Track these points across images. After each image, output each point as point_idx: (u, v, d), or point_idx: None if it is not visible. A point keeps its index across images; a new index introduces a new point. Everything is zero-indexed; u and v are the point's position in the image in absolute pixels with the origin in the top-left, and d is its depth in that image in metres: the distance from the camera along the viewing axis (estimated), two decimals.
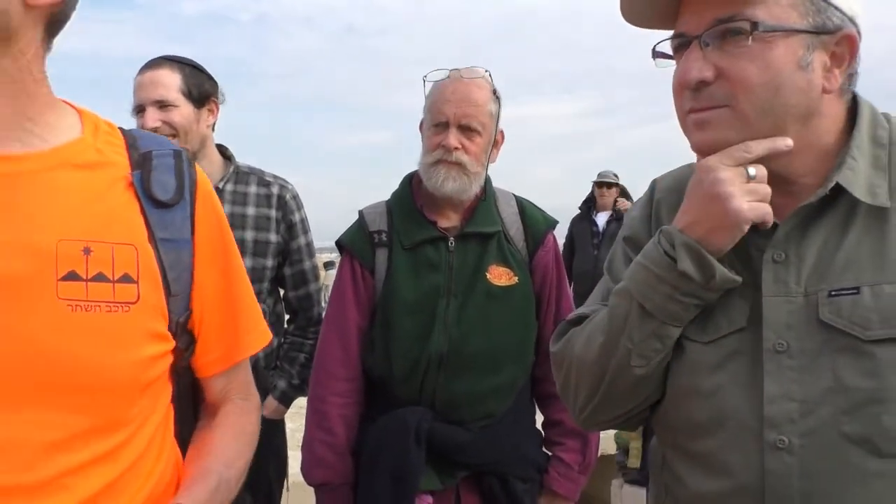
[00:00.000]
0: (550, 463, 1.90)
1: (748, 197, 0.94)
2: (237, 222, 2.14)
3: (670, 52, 1.03)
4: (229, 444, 1.04)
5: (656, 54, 1.05)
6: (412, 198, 1.88)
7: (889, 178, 0.96)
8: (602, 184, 6.42)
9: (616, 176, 6.48)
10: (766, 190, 0.95)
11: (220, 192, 2.15)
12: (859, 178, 0.95)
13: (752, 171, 0.94)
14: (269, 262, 2.17)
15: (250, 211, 2.17)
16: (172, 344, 0.96)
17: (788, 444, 0.93)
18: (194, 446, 1.04)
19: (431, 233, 1.82)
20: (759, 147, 0.94)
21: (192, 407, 1.08)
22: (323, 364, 1.87)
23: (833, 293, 0.93)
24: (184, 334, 0.99)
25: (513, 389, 1.84)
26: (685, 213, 1.00)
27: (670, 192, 1.13)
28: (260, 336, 1.11)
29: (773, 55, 0.92)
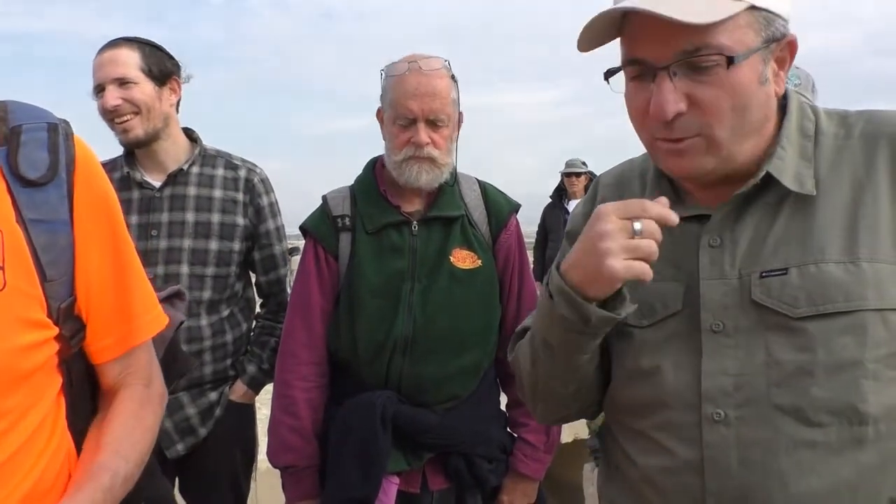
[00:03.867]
0: (515, 444, 1.92)
1: (626, 255, 0.92)
2: (203, 205, 2.13)
3: (618, 67, 1.00)
4: (126, 435, 0.98)
5: (610, 74, 1.02)
6: (376, 182, 1.89)
7: (815, 168, 0.99)
8: (571, 174, 6.43)
9: (584, 164, 6.47)
10: (650, 247, 0.92)
11: (185, 174, 2.14)
12: (788, 167, 0.99)
13: (637, 225, 0.92)
14: (237, 246, 2.16)
15: (217, 193, 2.16)
16: (54, 331, 0.91)
17: (724, 416, 0.97)
18: (89, 439, 0.98)
19: (395, 217, 1.83)
20: (655, 210, 0.93)
21: (89, 396, 1.02)
22: (288, 348, 1.88)
23: (764, 274, 0.97)
24: (69, 320, 0.93)
25: (477, 372, 1.86)
26: (573, 254, 0.99)
27: (612, 188, 1.17)
28: (155, 319, 1.05)
29: (740, 78, 0.93)
